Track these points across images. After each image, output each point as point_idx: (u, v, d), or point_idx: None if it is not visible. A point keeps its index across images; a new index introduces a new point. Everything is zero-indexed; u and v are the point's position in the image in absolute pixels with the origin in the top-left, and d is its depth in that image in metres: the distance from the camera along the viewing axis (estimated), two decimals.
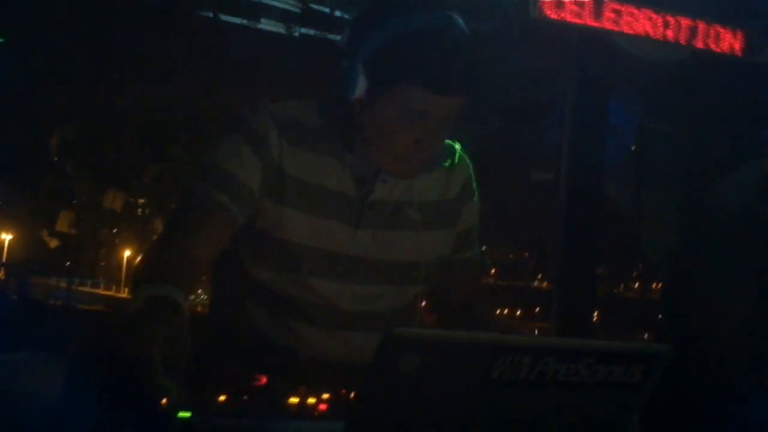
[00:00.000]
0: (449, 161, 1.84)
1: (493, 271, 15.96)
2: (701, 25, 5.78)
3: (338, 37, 5.43)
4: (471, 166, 1.88)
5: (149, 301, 1.36)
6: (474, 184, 1.88)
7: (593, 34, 5.53)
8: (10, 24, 6.30)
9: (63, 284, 11.53)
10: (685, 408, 1.93)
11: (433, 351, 1.08)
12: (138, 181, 7.80)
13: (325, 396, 1.31)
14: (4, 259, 10.70)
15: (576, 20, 5.37)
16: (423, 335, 1.09)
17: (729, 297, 2.02)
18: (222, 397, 1.26)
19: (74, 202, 8.48)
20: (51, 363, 1.33)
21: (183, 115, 6.65)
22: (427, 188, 1.79)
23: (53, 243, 8.46)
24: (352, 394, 1.33)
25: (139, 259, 1.72)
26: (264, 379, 1.37)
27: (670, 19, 5.68)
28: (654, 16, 5.67)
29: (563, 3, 5.36)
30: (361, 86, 1.61)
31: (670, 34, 5.67)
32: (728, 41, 5.87)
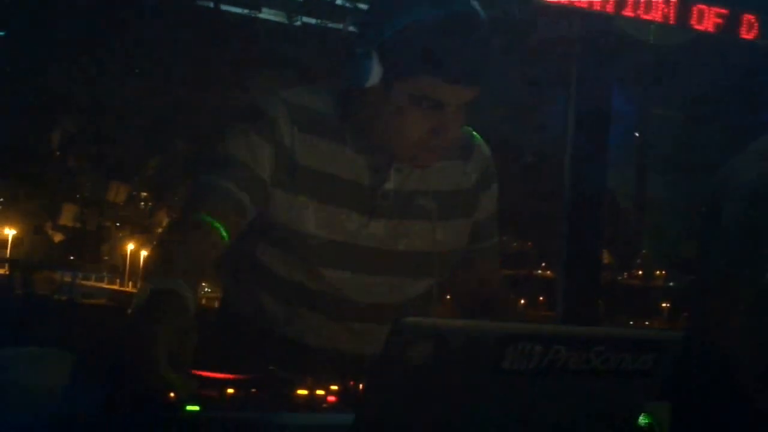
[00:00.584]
0: (466, 150, 1.81)
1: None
2: (707, 9, 5.75)
3: (340, 26, 5.41)
4: (490, 154, 1.85)
5: (155, 296, 1.35)
6: (493, 172, 1.85)
7: (597, 18, 5.51)
8: (11, 16, 6.28)
9: (67, 278, 11.56)
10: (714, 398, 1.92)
11: (443, 340, 1.07)
12: (141, 173, 7.80)
13: (334, 388, 1.30)
14: (8, 255, 10.72)
15: (579, 4, 5.34)
16: (433, 325, 1.08)
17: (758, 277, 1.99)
18: (230, 390, 1.25)
19: (78, 196, 8.48)
20: (56, 357, 1.32)
21: (186, 106, 6.64)
22: (442, 178, 1.76)
23: (57, 237, 8.47)
24: (361, 386, 1.32)
25: (148, 251, 1.72)
26: (272, 372, 1.35)
27: (675, 2, 5.65)
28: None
29: None
30: (375, 74, 1.58)
31: (674, 17, 5.64)
32: (734, 25, 5.84)
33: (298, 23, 5.48)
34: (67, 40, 6.13)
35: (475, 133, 1.84)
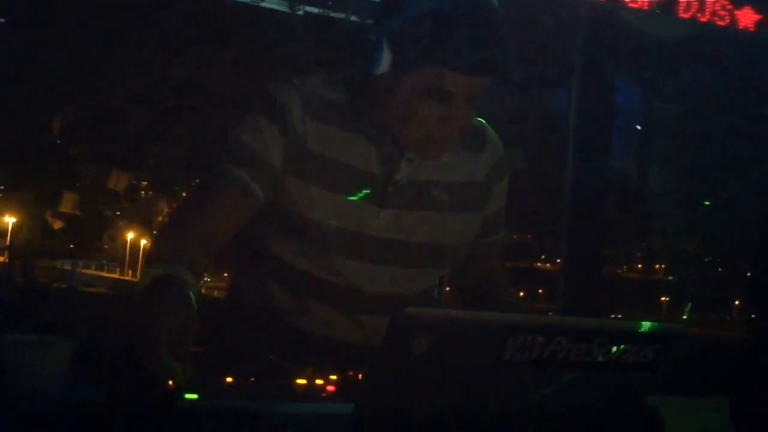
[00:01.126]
0: (478, 142, 1.80)
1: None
2: (712, 1, 5.73)
3: (342, 15, 5.39)
4: (501, 147, 1.84)
5: (156, 282, 1.34)
6: (504, 165, 1.84)
7: (600, 9, 5.49)
8: (11, 3, 6.26)
9: (67, 267, 11.55)
10: None
11: (444, 331, 1.06)
12: (142, 161, 7.78)
13: (333, 377, 1.30)
14: (8, 242, 10.70)
15: None
16: (434, 315, 1.08)
17: None
18: (229, 379, 1.24)
19: (78, 184, 8.46)
20: (56, 344, 1.32)
21: (186, 94, 6.61)
22: (454, 169, 1.75)
23: (57, 224, 8.46)
24: (360, 376, 1.31)
25: (153, 235, 1.71)
26: (272, 361, 1.35)
27: None
28: None
29: None
30: (386, 62, 1.57)
31: (678, 8, 5.62)
32: (737, 16, 5.82)
33: (300, 12, 5.46)
34: (68, 27, 6.11)
35: (487, 125, 1.83)
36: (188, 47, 6.08)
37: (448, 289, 1.95)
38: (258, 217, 1.65)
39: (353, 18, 5.26)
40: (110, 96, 6.77)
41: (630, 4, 5.52)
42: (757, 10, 5.88)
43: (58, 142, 7.63)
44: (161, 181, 8.81)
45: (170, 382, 1.18)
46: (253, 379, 1.26)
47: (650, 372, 1.20)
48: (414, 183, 1.71)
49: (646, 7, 5.53)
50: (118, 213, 9.78)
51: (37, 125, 7.33)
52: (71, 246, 10.30)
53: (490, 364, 1.09)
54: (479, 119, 1.80)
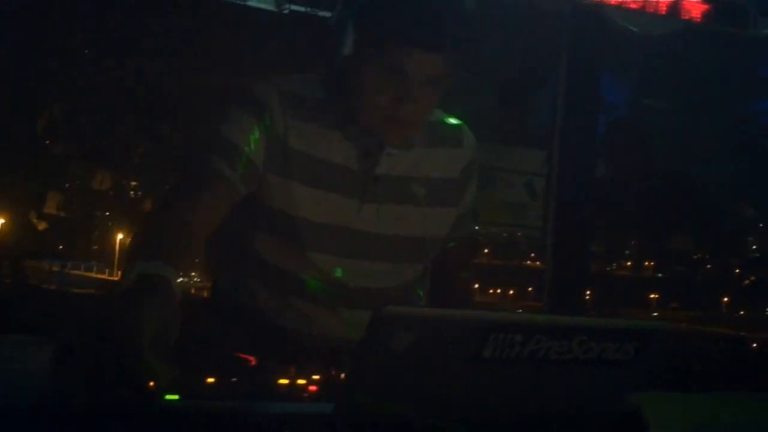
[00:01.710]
0: (455, 139, 1.81)
1: (486, 250, 16.01)
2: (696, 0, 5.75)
3: (329, 14, 5.40)
4: (476, 148, 1.85)
5: (139, 280, 1.34)
6: (476, 165, 1.86)
7: (585, 8, 5.51)
8: None
9: (56, 268, 11.52)
10: None
11: (424, 329, 1.06)
12: (128, 161, 7.76)
13: (315, 377, 1.30)
14: None
15: None
16: (414, 313, 1.08)
17: None
18: (210, 379, 1.24)
19: (66, 184, 8.44)
20: (43, 345, 1.31)
21: (172, 93, 6.61)
22: (432, 164, 1.77)
23: (41, 225, 8.42)
24: (343, 375, 1.31)
25: (134, 231, 1.70)
26: (253, 361, 1.35)
27: None
28: None
29: None
30: (348, 46, 1.60)
31: (664, 6, 5.64)
32: (724, 14, 5.84)
33: (287, 11, 5.46)
34: (53, 26, 6.09)
35: (464, 123, 1.84)
36: (175, 45, 6.07)
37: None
38: (240, 216, 1.65)
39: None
40: (96, 95, 6.75)
41: (618, 3, 5.54)
42: (745, 9, 5.91)
43: (45, 142, 7.61)
44: (148, 180, 8.80)
45: (151, 383, 1.17)
46: (234, 379, 1.26)
47: (631, 369, 1.20)
48: (394, 178, 1.72)
49: (633, 6, 5.55)
50: (107, 213, 9.75)
51: (22, 125, 7.31)
52: (60, 247, 10.27)
53: (470, 361, 1.10)
54: (456, 117, 1.82)
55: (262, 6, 5.47)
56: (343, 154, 1.68)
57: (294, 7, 5.43)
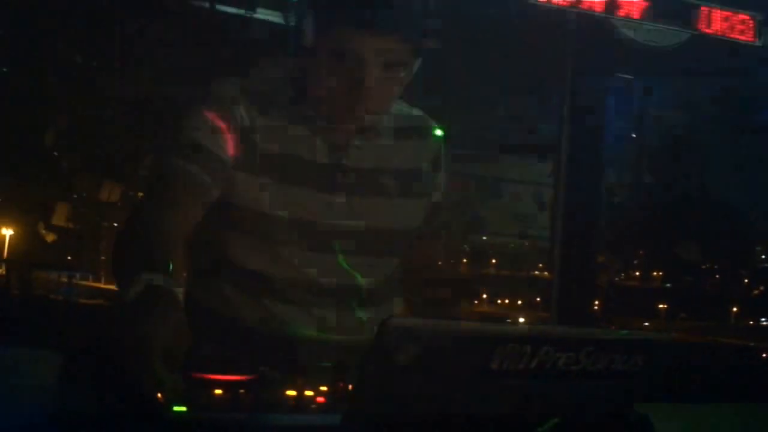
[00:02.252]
0: (420, 130, 1.82)
1: (493, 261, 15.98)
2: (702, 9, 5.75)
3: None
4: (442, 139, 1.86)
5: (146, 291, 1.34)
6: (443, 159, 1.87)
7: (592, 19, 5.51)
8: (5, 15, 6.27)
9: (64, 279, 11.52)
10: None
11: (431, 341, 1.06)
12: (135, 172, 7.79)
13: (323, 388, 1.30)
14: (5, 255, 10.69)
15: (574, 4, 5.34)
16: (421, 325, 1.08)
17: None
18: (218, 391, 1.24)
19: (74, 195, 8.46)
20: (52, 359, 1.32)
21: (179, 105, 6.63)
22: (399, 156, 1.78)
23: (50, 237, 8.44)
24: (350, 386, 1.31)
25: (118, 237, 1.69)
26: (260, 373, 1.35)
27: (670, 3, 5.64)
28: None
29: None
30: (306, 36, 1.61)
31: (670, 18, 5.64)
32: (729, 25, 5.84)
33: (294, 23, 5.49)
34: (61, 39, 6.12)
35: (427, 116, 1.85)
36: (182, 58, 6.09)
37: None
38: (209, 218, 1.65)
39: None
40: (102, 107, 6.78)
41: (624, 14, 5.53)
42: (750, 19, 5.91)
43: (53, 154, 7.63)
44: None
45: (159, 394, 1.18)
46: (242, 390, 1.26)
47: (639, 380, 1.20)
48: (362, 169, 1.73)
49: (639, 17, 5.55)
50: (115, 224, 9.77)
51: (30, 137, 7.34)
52: (68, 258, 10.29)
53: (478, 374, 1.10)
54: (418, 109, 1.83)
55: (271, 19, 5.50)
56: (309, 148, 1.70)
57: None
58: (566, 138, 5.74)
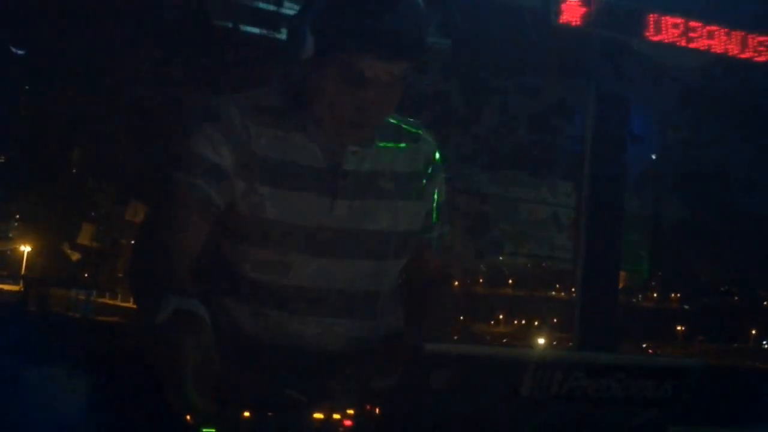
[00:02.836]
0: (413, 135, 1.82)
1: (510, 281, 15.93)
2: (726, 31, 5.73)
3: None
4: (436, 148, 1.86)
5: (177, 315, 1.34)
6: (440, 163, 1.86)
7: (614, 41, 5.50)
8: (31, 35, 6.32)
9: (82, 296, 11.55)
10: None
11: (462, 366, 1.06)
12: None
13: (351, 412, 1.29)
14: (23, 271, 10.73)
15: (596, 27, 5.33)
16: (452, 350, 1.07)
17: None
18: (246, 414, 1.24)
19: (96, 215, 8.49)
20: (73, 377, 1.32)
21: (186, 118, 6.63)
22: (396, 159, 1.79)
23: (75, 256, 8.48)
24: (377, 410, 1.31)
25: (134, 256, 1.70)
26: (289, 396, 1.35)
27: (694, 25, 5.62)
28: (677, 21, 5.61)
29: (583, 9, 5.33)
30: (308, 50, 1.61)
31: (693, 40, 5.62)
32: (754, 47, 5.82)
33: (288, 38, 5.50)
34: (87, 59, 6.16)
35: (417, 125, 1.84)
36: (213, 80, 6.09)
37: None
38: (215, 232, 1.66)
39: None
40: (127, 127, 6.81)
41: (647, 37, 5.52)
42: None
43: (75, 172, 7.67)
44: None
45: (188, 416, 1.18)
46: (270, 414, 1.26)
47: (670, 405, 1.19)
48: (361, 173, 1.74)
49: (662, 39, 5.53)
50: (132, 242, 9.78)
51: (54, 156, 7.38)
52: (86, 275, 10.32)
53: (509, 399, 1.09)
54: (410, 119, 1.83)
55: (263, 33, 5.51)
56: (308, 154, 1.70)
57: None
58: (588, 158, 5.72)
